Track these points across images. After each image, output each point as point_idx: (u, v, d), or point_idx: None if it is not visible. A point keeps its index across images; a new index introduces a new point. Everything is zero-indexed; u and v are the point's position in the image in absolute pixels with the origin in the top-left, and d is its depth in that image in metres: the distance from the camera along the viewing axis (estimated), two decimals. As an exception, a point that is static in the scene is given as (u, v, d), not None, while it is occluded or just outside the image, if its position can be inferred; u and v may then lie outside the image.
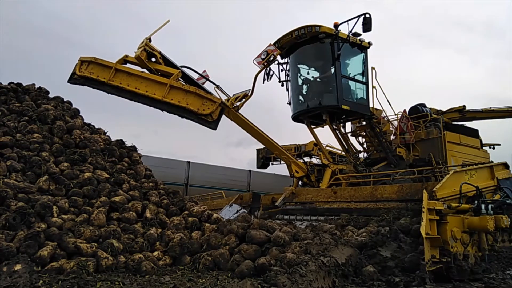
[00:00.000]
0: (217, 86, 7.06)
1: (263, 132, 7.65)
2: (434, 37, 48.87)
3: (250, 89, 7.29)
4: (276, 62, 9.39)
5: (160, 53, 6.52)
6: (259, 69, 7.35)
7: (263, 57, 6.92)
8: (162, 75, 6.37)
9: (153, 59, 6.56)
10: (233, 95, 7.24)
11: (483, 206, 4.96)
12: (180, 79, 6.43)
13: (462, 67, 50.57)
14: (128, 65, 6.49)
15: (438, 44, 49.73)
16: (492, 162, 8.31)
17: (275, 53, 6.75)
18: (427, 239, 4.05)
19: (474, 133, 10.97)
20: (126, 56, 6.55)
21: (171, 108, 6.04)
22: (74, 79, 6.59)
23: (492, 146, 11.91)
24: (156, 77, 6.23)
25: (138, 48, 6.37)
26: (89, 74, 6.40)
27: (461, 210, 4.93)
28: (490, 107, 11.81)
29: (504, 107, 11.73)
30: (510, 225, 5.13)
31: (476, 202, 5.08)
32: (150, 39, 6.40)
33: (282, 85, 9.79)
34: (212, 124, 6.02)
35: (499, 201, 5.50)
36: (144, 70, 6.49)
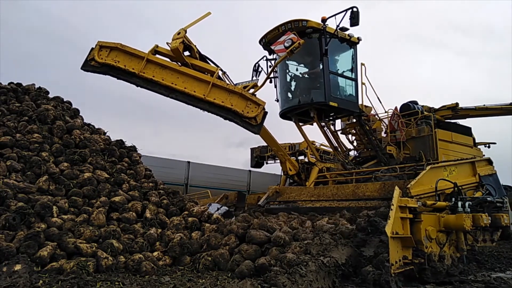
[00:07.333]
0: (224, 73, 6.40)
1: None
2: (433, 39, 49.01)
3: (258, 79, 6.88)
4: (265, 58, 9.27)
5: (196, 46, 6.06)
6: (278, 58, 6.73)
7: (287, 45, 6.22)
8: (196, 70, 5.93)
9: (187, 53, 6.03)
10: (236, 84, 6.69)
11: (460, 203, 4.70)
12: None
13: (461, 69, 50.72)
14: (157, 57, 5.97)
15: (437, 46, 49.85)
16: (474, 157, 8.25)
17: (300, 42, 6.15)
18: (395, 238, 3.80)
19: (466, 131, 10.83)
20: (157, 46, 5.99)
21: (213, 108, 5.65)
22: (92, 66, 5.95)
23: (487, 145, 11.83)
24: (196, 73, 5.79)
25: (174, 40, 5.82)
26: (114, 62, 5.82)
27: (438, 208, 4.69)
28: (484, 105, 11.59)
29: (498, 105, 11.56)
30: (491, 224, 4.92)
31: (453, 199, 4.84)
32: (186, 31, 5.87)
33: (271, 81, 9.54)
34: (256, 127, 5.66)
35: (479, 199, 5.25)
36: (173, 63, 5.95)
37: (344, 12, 7.79)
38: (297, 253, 3.81)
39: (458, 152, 10.00)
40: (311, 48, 8.71)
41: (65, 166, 4.96)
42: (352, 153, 10.76)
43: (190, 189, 14.45)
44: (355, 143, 10.79)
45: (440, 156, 9.40)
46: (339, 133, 10.35)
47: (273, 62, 9.32)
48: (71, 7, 36.89)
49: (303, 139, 9.89)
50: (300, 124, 9.70)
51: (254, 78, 8.86)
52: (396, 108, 10.41)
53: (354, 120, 9.93)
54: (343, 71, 9.22)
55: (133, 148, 6.37)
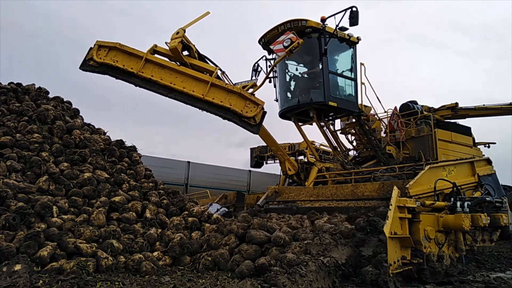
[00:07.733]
0: (223, 73, 6.36)
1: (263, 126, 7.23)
2: (433, 39, 49.05)
3: (257, 79, 6.86)
4: (264, 58, 9.26)
5: (194, 46, 6.08)
6: (278, 58, 6.70)
7: (286, 44, 6.17)
8: (195, 70, 5.93)
9: (185, 52, 6.05)
10: (235, 84, 6.62)
11: (458, 203, 4.69)
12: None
13: (461, 69, 50.76)
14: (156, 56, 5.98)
15: (437, 46, 49.90)
16: (473, 157, 8.24)
17: (299, 42, 6.07)
18: (393, 239, 3.77)
19: (466, 131, 10.81)
20: (156, 46, 5.99)
21: (212, 107, 5.64)
22: (90, 65, 5.93)
23: (487, 145, 11.80)
24: (195, 73, 5.79)
25: (173, 39, 5.85)
26: (112, 62, 5.82)
27: (436, 208, 4.66)
28: (483, 104, 11.57)
29: (497, 105, 11.54)
30: (490, 224, 4.90)
31: (452, 199, 4.82)
32: (184, 31, 5.89)
33: (270, 81, 9.54)
34: (255, 127, 5.63)
35: (478, 199, 5.24)
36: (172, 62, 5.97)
37: (344, 12, 7.79)
38: (297, 253, 3.81)
39: (458, 152, 9.98)
40: (311, 48, 8.68)
41: (65, 166, 4.96)
42: (351, 153, 10.74)
43: (190, 189, 14.44)
44: (354, 143, 10.77)
45: (440, 156, 9.39)
46: (338, 133, 10.32)
47: (272, 61, 9.27)
48: (71, 7, 36.91)
49: (302, 139, 9.89)
50: (300, 124, 9.68)
51: (254, 78, 8.76)
52: (395, 108, 10.37)
53: (354, 120, 9.90)
54: (343, 71, 9.20)
55: (133, 148, 6.37)
